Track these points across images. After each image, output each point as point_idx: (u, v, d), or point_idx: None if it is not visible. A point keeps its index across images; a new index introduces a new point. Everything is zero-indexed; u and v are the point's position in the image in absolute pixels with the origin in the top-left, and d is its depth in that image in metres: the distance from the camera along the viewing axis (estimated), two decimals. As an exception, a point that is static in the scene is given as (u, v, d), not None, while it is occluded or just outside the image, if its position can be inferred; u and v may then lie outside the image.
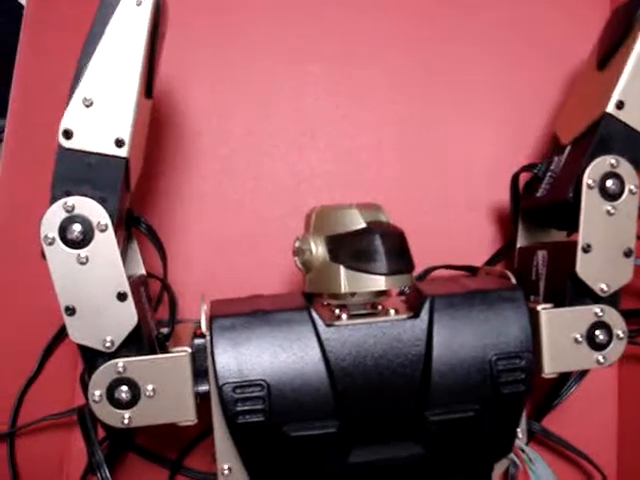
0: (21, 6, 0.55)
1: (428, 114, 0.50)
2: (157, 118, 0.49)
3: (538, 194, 0.41)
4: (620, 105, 0.37)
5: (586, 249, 0.36)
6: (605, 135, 0.38)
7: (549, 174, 0.41)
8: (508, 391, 0.35)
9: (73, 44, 0.49)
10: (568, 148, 0.40)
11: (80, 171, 0.33)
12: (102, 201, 0.33)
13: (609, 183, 0.37)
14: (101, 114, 0.33)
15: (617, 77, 0.38)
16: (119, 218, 0.34)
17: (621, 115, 0.37)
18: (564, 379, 0.45)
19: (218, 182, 0.48)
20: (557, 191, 0.39)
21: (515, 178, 0.44)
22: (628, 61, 0.37)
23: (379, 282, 0.35)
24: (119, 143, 0.33)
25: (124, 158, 0.34)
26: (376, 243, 0.35)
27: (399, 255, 0.36)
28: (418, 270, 0.46)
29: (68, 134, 0.33)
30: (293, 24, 0.50)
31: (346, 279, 0.35)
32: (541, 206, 0.41)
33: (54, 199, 0.33)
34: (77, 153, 0.33)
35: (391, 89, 0.50)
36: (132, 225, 0.40)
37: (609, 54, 0.39)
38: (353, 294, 0.36)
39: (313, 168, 0.49)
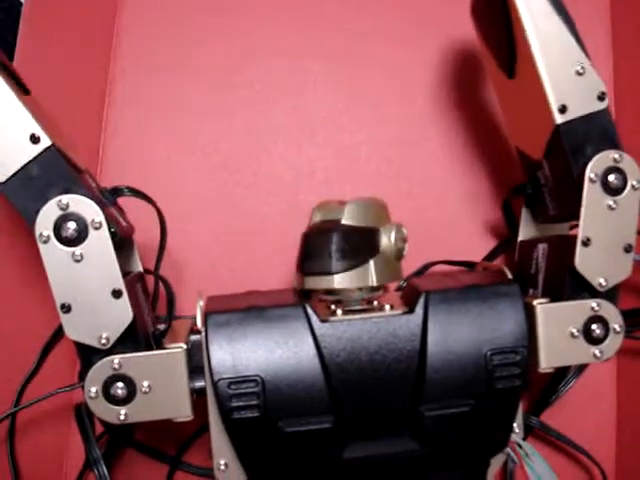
0: (20, 3, 0.56)
1: (427, 109, 0.50)
2: (158, 112, 0.49)
3: (551, 212, 0.41)
4: (563, 109, 0.36)
5: (586, 243, 0.36)
6: (572, 141, 0.37)
7: (545, 190, 0.40)
8: (503, 386, 0.35)
9: (71, 41, 0.50)
10: (544, 162, 0.39)
11: (33, 185, 0.33)
12: (66, 192, 0.33)
13: (612, 177, 0.36)
14: (5, 136, 0.33)
15: (538, 85, 0.36)
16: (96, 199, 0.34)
17: (570, 115, 0.36)
18: (562, 374, 0.45)
19: (217, 178, 0.49)
20: (570, 207, 0.38)
21: (507, 203, 0.44)
22: (536, 63, 0.36)
23: (310, 282, 0.37)
24: (35, 139, 0.33)
25: (49, 145, 0.33)
26: (304, 243, 0.37)
27: (319, 256, 0.36)
28: (417, 265, 0.47)
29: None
30: (293, 21, 0.50)
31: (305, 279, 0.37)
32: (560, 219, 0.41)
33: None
34: (22, 172, 0.33)
35: (390, 84, 0.50)
36: (118, 195, 0.40)
37: (509, 59, 0.38)
38: (348, 290, 0.36)
39: (312, 164, 0.49)
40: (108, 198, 0.38)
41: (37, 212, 0.33)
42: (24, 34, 0.48)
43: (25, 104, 0.33)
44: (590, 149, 0.36)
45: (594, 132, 0.37)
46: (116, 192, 0.39)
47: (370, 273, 0.36)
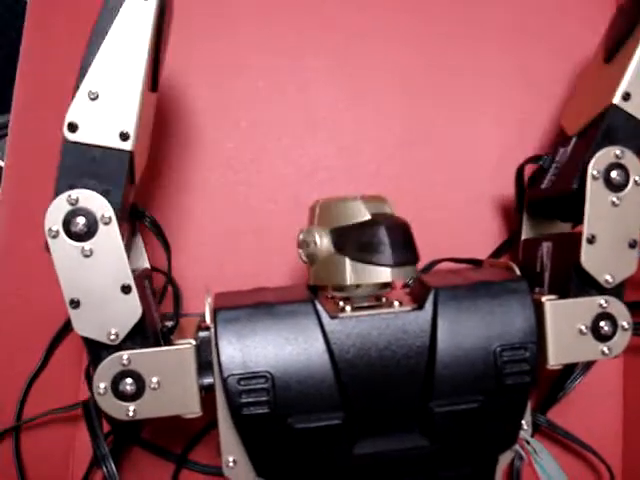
0: (24, 1, 0.56)
1: (431, 107, 0.50)
2: (162, 112, 0.49)
3: (543, 185, 0.41)
4: (626, 97, 0.37)
5: (591, 240, 0.36)
6: (611, 126, 0.38)
7: (554, 165, 0.41)
8: (512, 382, 0.35)
9: (77, 38, 0.49)
10: (574, 139, 0.40)
11: (85, 164, 0.33)
12: (106, 194, 0.33)
13: (614, 174, 0.36)
14: (106, 107, 0.33)
15: (624, 70, 0.38)
16: (123, 211, 0.34)
17: (627, 106, 0.37)
18: (569, 371, 0.45)
19: (222, 175, 0.49)
20: (562, 182, 0.39)
21: (520, 170, 0.44)
22: (635, 54, 0.37)
23: (384, 274, 0.35)
24: (124, 136, 0.33)
25: (129, 151, 0.34)
26: (381, 235, 0.35)
27: (404, 247, 0.36)
28: (423, 262, 0.47)
29: (73, 127, 0.33)
30: (295, 19, 0.50)
31: (351, 271, 0.35)
32: (546, 197, 0.41)
33: (58, 192, 0.33)
34: (82, 146, 0.33)
35: (394, 82, 0.50)
36: (137, 219, 0.40)
37: (616, 47, 0.39)
38: (358, 286, 0.36)
39: (315, 162, 0.49)
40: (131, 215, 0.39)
41: (70, 187, 0.33)
42: (29, 31, 0.48)
43: (143, 98, 0.34)
44: (619, 142, 0.37)
45: (631, 133, 0.38)
46: (137, 216, 0.40)
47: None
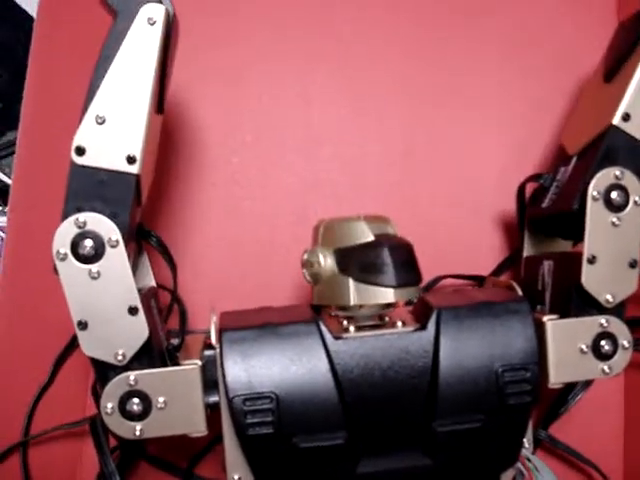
0: (31, 17, 0.56)
1: (435, 122, 0.51)
2: (167, 128, 0.49)
3: (544, 204, 0.42)
4: (626, 117, 0.38)
5: (591, 260, 0.37)
6: (611, 147, 0.38)
7: (555, 184, 0.41)
8: (514, 402, 0.35)
9: (84, 55, 0.49)
10: (574, 159, 0.41)
11: (92, 187, 0.34)
12: (113, 216, 0.34)
13: (614, 195, 0.37)
14: (113, 131, 0.34)
15: (624, 90, 0.38)
16: (130, 232, 0.35)
17: (627, 127, 0.38)
18: (571, 387, 0.45)
19: (227, 190, 0.49)
20: (563, 202, 0.40)
21: (521, 188, 0.45)
22: (634, 74, 0.38)
23: (388, 295, 0.35)
24: (131, 160, 0.34)
25: (135, 175, 0.34)
26: (384, 256, 0.35)
27: (407, 268, 0.36)
28: (426, 279, 0.47)
29: (80, 151, 0.34)
30: (299, 34, 0.51)
31: (355, 291, 0.36)
32: (547, 216, 0.42)
33: (66, 215, 0.33)
34: (89, 169, 0.34)
35: (397, 97, 0.51)
36: (143, 238, 0.41)
37: (616, 67, 0.40)
38: (361, 306, 0.37)
39: (320, 176, 0.50)
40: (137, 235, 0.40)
41: (77, 209, 0.33)
42: (37, 48, 0.49)
43: (150, 121, 0.34)
44: (619, 163, 0.38)
45: (631, 154, 0.38)
46: (143, 235, 0.41)
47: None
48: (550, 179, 0.42)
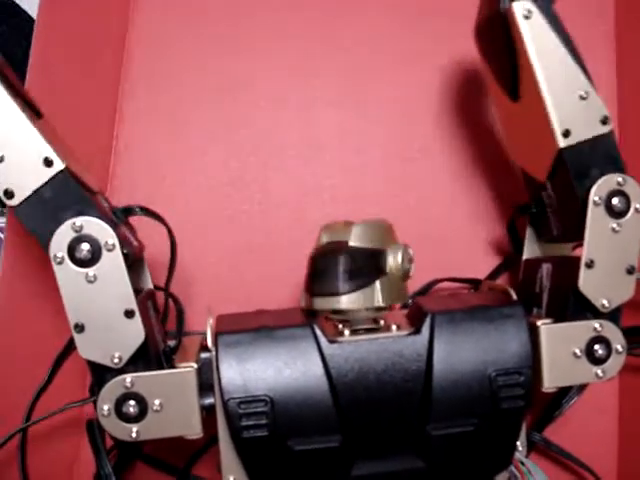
0: (31, 19, 0.56)
1: (433, 128, 0.51)
2: (166, 133, 0.50)
3: (555, 233, 0.41)
4: (567, 134, 0.37)
5: (589, 265, 0.37)
6: (576, 164, 0.37)
7: (549, 210, 0.41)
8: (507, 406, 0.35)
9: (84, 59, 0.50)
10: (548, 183, 0.40)
11: (46, 208, 0.34)
12: (82, 213, 0.34)
13: (615, 201, 0.37)
14: (18, 161, 0.34)
15: (541, 108, 0.37)
16: (107, 218, 0.35)
17: (573, 140, 0.37)
18: (565, 390, 0.45)
19: (226, 194, 0.49)
20: (573, 232, 0.39)
21: (511, 223, 0.45)
22: (540, 89, 0.36)
23: (318, 303, 0.37)
24: (48, 163, 0.34)
25: (62, 170, 0.34)
26: (311, 265, 0.38)
27: (325, 277, 0.37)
28: (423, 281, 0.47)
29: (9, 194, 0.34)
30: (300, 39, 0.51)
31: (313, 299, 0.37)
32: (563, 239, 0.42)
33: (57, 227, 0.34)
34: (33, 197, 0.34)
35: (397, 103, 0.51)
36: (128, 215, 0.40)
37: (512, 82, 0.39)
38: (355, 310, 0.37)
39: (319, 182, 0.50)
40: (120, 217, 0.39)
41: (51, 234, 0.33)
42: (36, 51, 0.49)
43: (38, 127, 0.34)
44: (594, 172, 0.37)
45: (598, 155, 0.37)
46: (128, 211, 0.40)
47: (376, 293, 0.37)
48: (539, 206, 0.42)
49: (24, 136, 0.34)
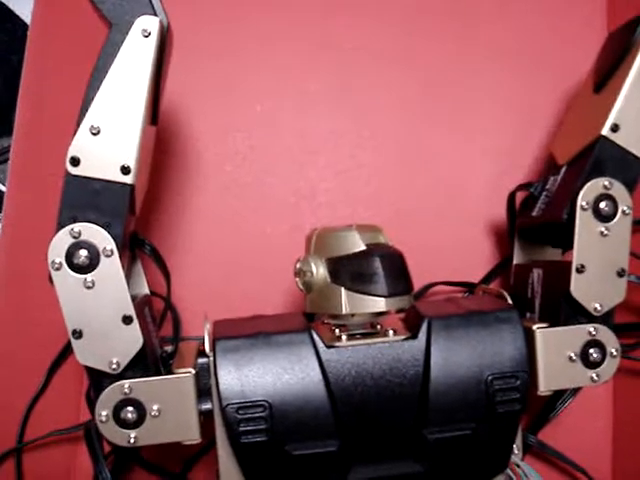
0: (25, 24, 0.56)
1: (428, 132, 0.51)
2: (162, 138, 0.50)
3: (534, 213, 0.42)
4: (615, 128, 0.38)
5: (580, 269, 0.37)
6: (600, 157, 0.38)
7: (545, 193, 0.42)
8: (504, 410, 0.35)
9: (78, 62, 0.50)
10: (564, 168, 0.41)
11: (86, 197, 0.34)
12: (107, 226, 0.34)
13: (602, 205, 0.37)
14: (108, 142, 0.34)
15: (613, 100, 0.38)
16: (124, 241, 0.35)
17: (616, 138, 0.38)
18: (560, 393, 0.46)
19: (221, 199, 0.49)
20: (552, 211, 0.40)
21: (511, 197, 0.45)
22: (624, 84, 0.38)
23: (379, 304, 0.36)
24: (125, 170, 0.34)
25: (130, 185, 0.34)
26: (376, 265, 0.36)
27: (398, 277, 0.37)
28: (417, 286, 0.47)
29: (75, 161, 0.34)
30: (294, 43, 0.51)
31: (347, 300, 0.36)
32: (537, 225, 0.42)
33: (61, 225, 0.34)
34: (84, 180, 0.34)
35: (391, 107, 0.51)
36: (136, 247, 0.41)
37: (606, 77, 0.40)
38: (353, 315, 0.37)
39: (314, 185, 0.50)
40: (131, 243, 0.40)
41: (73, 220, 0.34)
42: (31, 55, 0.49)
43: (143, 132, 0.35)
44: (608, 173, 0.38)
45: (620, 164, 0.38)
46: (137, 244, 0.41)
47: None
48: (540, 188, 0.43)
49: (130, 133, 0.34)
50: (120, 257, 0.34)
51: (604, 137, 0.38)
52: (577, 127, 0.42)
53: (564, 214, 0.38)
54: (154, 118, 0.37)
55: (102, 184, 0.34)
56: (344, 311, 0.36)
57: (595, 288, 0.38)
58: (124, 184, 0.34)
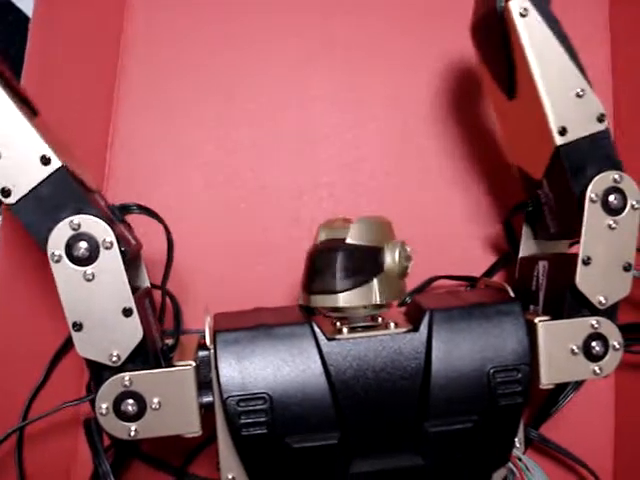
0: (26, 18, 0.56)
1: (431, 125, 0.51)
2: (164, 129, 0.49)
3: (551, 230, 0.41)
4: (563, 131, 0.37)
5: (586, 262, 0.37)
6: (572, 161, 0.37)
7: (546, 209, 0.41)
8: (505, 403, 0.35)
9: (80, 57, 0.50)
10: (544, 181, 0.40)
11: (43, 206, 0.34)
12: (79, 212, 0.33)
13: (612, 198, 0.37)
14: (16, 159, 0.33)
15: (538, 106, 0.37)
16: (105, 216, 0.35)
17: (569, 138, 0.37)
18: (562, 387, 0.46)
19: (222, 193, 0.49)
20: (570, 229, 0.39)
21: (508, 222, 0.45)
22: (537, 86, 0.36)
23: (316, 300, 0.37)
24: (45, 160, 0.33)
25: (59, 167, 0.33)
26: (308, 263, 0.38)
27: (324, 274, 0.37)
28: (419, 280, 0.48)
29: (6, 192, 0.33)
30: (297, 37, 0.51)
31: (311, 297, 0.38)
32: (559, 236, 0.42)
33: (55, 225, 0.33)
34: (29, 196, 0.33)
35: (394, 100, 0.51)
36: (126, 213, 0.40)
37: (509, 80, 0.39)
38: (353, 307, 0.37)
39: (316, 179, 0.50)
40: (117, 215, 0.39)
41: (48, 231, 0.33)
42: (31, 48, 0.49)
43: (35, 125, 0.34)
44: (590, 169, 0.37)
45: (594, 153, 0.37)
46: (125, 209, 0.40)
47: (374, 291, 0.37)
48: (535, 204, 0.42)
49: (21, 134, 0.33)
50: (120, 250, 0.34)
51: (561, 146, 0.37)
52: (524, 139, 0.41)
53: None
54: (33, 111, 0.36)
55: (43, 186, 0.34)
56: (312, 304, 0.38)
57: (601, 281, 0.37)
58: (55, 171, 0.34)
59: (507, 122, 0.43)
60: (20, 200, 0.34)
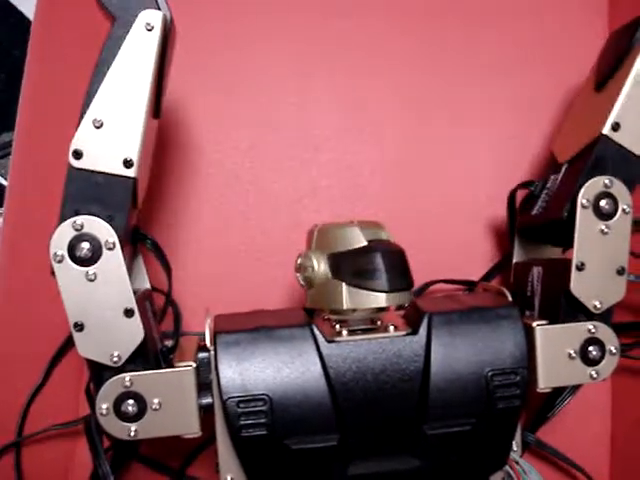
0: (28, 20, 0.56)
1: (430, 130, 0.51)
2: (163, 133, 0.50)
3: (534, 212, 0.42)
4: (616, 127, 0.38)
5: (580, 267, 0.37)
6: (600, 156, 0.39)
7: (545, 192, 0.42)
8: (503, 406, 0.36)
9: (81, 58, 0.50)
10: (564, 167, 0.41)
11: (89, 190, 0.34)
12: (110, 219, 0.34)
13: (603, 203, 0.38)
14: (111, 135, 0.34)
15: (614, 99, 0.39)
16: (126, 235, 0.35)
17: (616, 136, 0.38)
18: (559, 391, 0.46)
19: (222, 196, 0.49)
20: (552, 210, 0.40)
21: (512, 195, 0.45)
22: (625, 83, 0.38)
23: (380, 299, 0.36)
24: (127, 163, 0.34)
25: (132, 178, 0.34)
26: (377, 261, 0.36)
27: (399, 273, 0.37)
28: (418, 284, 0.47)
29: (78, 154, 0.34)
30: (297, 40, 0.51)
31: (348, 296, 0.36)
32: (537, 223, 0.42)
33: (63, 218, 0.34)
34: (86, 173, 0.34)
35: (394, 105, 0.51)
36: (138, 241, 0.41)
37: (607, 76, 0.41)
38: (354, 310, 0.37)
39: (315, 182, 0.50)
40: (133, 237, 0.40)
41: (75, 212, 0.34)
42: (33, 49, 0.49)
43: (146, 125, 0.35)
44: (608, 172, 0.38)
45: (620, 163, 0.39)
46: (139, 238, 0.41)
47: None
48: (540, 186, 0.43)
49: (131, 122, 0.34)
50: (122, 250, 0.34)
51: (605, 136, 0.38)
52: (578, 125, 0.42)
53: (564, 212, 0.39)
54: (157, 112, 0.37)
55: (105, 177, 0.34)
56: (345, 306, 0.36)
57: (595, 286, 0.38)
58: (127, 177, 0.35)
59: (577, 110, 0.44)
60: (83, 170, 0.34)
